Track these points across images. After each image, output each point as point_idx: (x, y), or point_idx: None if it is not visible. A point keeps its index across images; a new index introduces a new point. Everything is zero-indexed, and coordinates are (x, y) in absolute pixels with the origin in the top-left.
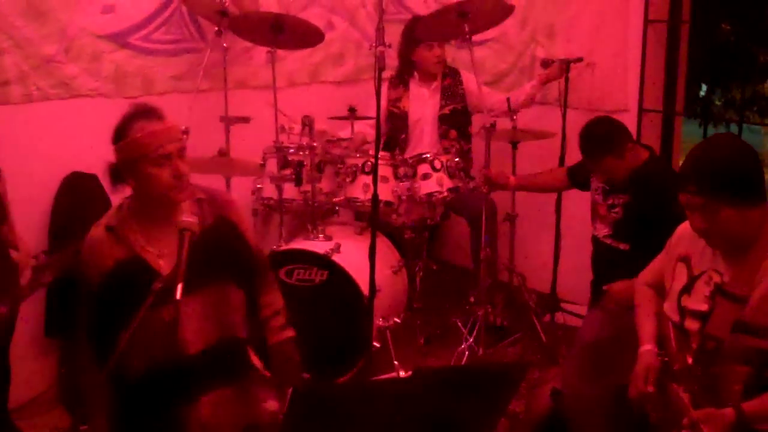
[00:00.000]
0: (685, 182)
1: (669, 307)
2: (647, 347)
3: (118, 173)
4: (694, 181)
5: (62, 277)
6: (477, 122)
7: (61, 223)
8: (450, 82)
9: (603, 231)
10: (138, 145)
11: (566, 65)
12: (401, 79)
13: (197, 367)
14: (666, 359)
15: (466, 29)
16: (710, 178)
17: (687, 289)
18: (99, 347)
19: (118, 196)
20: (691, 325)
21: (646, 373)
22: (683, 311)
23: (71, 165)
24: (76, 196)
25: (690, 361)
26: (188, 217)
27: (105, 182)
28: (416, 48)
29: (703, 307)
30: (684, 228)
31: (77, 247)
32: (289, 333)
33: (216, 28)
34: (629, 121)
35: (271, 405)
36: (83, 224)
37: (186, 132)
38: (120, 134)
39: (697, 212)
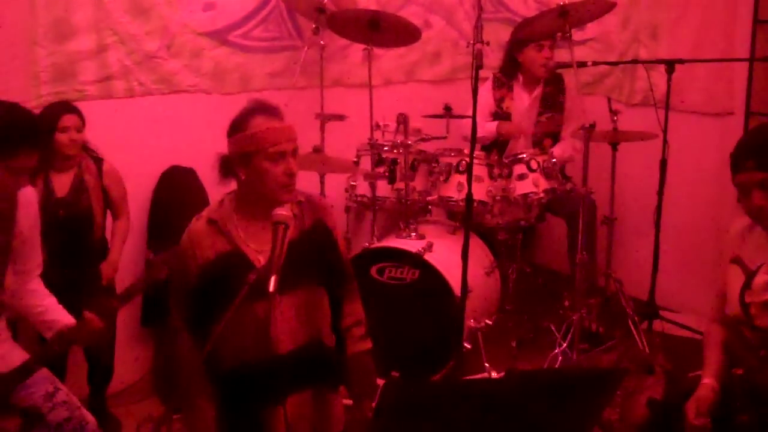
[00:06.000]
0: (743, 160)
1: (731, 311)
2: (706, 381)
3: (228, 165)
4: (752, 157)
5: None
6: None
7: (160, 215)
8: (552, 89)
9: None
10: (257, 139)
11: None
12: (506, 80)
13: (286, 367)
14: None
15: (568, 28)
16: None
17: (747, 285)
18: (197, 336)
19: (216, 190)
20: (762, 320)
21: (697, 404)
22: (747, 308)
23: (170, 159)
24: (175, 190)
25: None
26: (282, 210)
27: (203, 176)
28: (525, 48)
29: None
30: (727, 236)
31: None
32: (368, 344)
33: (313, 26)
34: (735, 124)
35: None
36: (181, 217)
37: None
38: (238, 127)
39: (755, 190)
